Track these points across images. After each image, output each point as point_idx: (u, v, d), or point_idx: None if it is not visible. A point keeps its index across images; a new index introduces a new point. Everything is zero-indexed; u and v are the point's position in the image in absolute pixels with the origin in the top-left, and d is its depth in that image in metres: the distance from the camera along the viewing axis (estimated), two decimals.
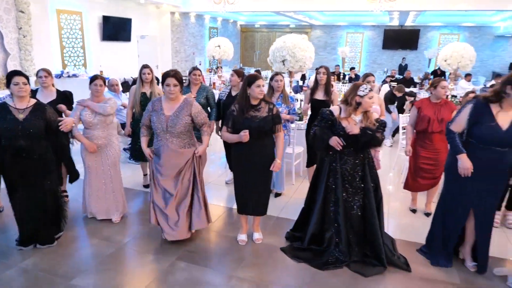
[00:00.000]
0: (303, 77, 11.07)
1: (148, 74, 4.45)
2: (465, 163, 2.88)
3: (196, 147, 3.40)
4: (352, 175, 3.15)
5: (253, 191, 3.33)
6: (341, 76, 11.75)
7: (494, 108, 2.83)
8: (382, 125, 3.08)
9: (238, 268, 3.16)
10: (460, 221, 3.12)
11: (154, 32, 12.22)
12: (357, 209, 3.17)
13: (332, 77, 10.52)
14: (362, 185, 3.16)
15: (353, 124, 3.07)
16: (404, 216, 4.22)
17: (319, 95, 4.50)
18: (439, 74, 11.25)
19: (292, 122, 4.44)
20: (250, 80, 3.14)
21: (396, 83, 10.01)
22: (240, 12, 14.71)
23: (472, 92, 5.27)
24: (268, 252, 3.40)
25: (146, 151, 3.42)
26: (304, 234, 3.36)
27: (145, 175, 4.90)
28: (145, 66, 4.49)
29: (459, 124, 2.97)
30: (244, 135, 3.09)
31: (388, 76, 11.45)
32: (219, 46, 9.11)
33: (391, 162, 6.02)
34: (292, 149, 4.90)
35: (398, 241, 3.58)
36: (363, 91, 3.02)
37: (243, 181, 3.34)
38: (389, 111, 7.08)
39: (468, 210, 3.07)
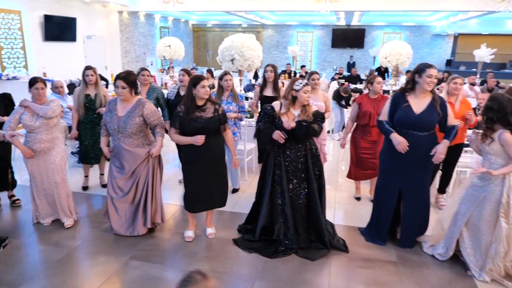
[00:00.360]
0: (256, 76, 11.25)
1: (92, 75, 4.39)
2: (397, 139, 3.15)
3: (152, 146, 3.46)
4: (296, 167, 3.32)
5: (208, 188, 3.39)
6: (292, 74, 12.07)
7: (409, 96, 3.23)
8: (319, 116, 3.28)
9: (192, 262, 3.24)
10: (391, 203, 3.41)
11: (102, 32, 11.83)
12: (303, 199, 3.36)
13: (283, 75, 10.80)
14: (306, 176, 3.34)
15: (291, 119, 3.24)
16: (350, 204, 4.51)
17: (268, 92, 4.73)
18: (382, 71, 11.89)
19: (241, 120, 4.58)
20: (195, 81, 3.21)
21: (344, 80, 10.49)
22: (191, 11, 14.61)
23: None
24: (221, 245, 3.50)
25: (105, 150, 3.52)
26: (255, 227, 3.50)
27: (86, 176, 4.82)
28: (87, 68, 4.42)
29: (384, 114, 3.34)
30: (200, 140, 3.16)
31: (337, 74, 11.93)
32: (169, 46, 9.03)
33: (340, 154, 6.34)
34: (243, 145, 5.03)
35: (344, 227, 3.86)
36: (298, 85, 3.20)
37: (194, 181, 3.39)
38: (343, 106, 7.43)
39: (397, 193, 3.37)
